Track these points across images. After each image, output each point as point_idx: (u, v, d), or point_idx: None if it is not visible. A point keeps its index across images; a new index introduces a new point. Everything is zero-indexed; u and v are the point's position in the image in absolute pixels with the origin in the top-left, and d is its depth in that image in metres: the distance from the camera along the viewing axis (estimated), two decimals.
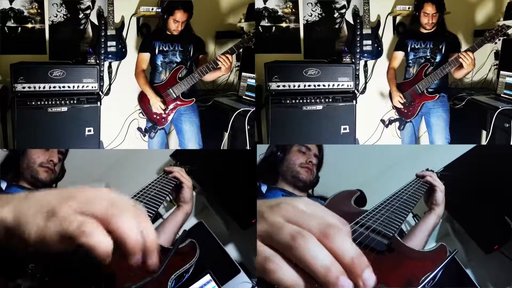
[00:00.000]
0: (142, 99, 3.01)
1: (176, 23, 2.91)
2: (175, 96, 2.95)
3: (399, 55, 3.14)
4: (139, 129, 3.09)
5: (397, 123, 3.21)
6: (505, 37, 3.10)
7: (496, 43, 2.97)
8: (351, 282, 0.57)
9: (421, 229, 1.57)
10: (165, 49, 2.99)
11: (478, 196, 1.98)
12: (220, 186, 2.12)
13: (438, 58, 3.00)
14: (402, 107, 3.05)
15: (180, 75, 2.97)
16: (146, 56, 3.01)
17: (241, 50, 3.04)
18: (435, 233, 2.01)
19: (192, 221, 2.10)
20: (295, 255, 0.59)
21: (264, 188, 1.94)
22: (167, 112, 2.98)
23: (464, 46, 3.13)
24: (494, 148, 2.83)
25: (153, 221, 1.56)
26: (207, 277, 1.57)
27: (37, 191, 0.77)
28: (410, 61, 3.09)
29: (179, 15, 2.89)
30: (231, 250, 2.00)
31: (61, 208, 0.69)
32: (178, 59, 3.00)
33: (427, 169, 1.87)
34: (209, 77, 2.97)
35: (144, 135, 3.05)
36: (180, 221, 1.69)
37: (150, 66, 3.05)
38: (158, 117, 3.00)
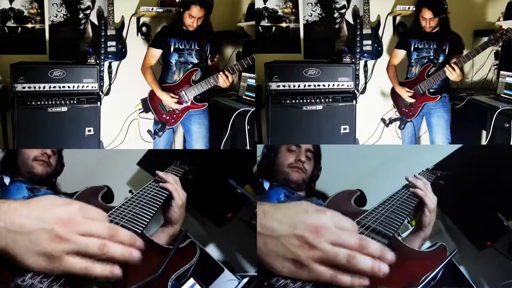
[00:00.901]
0: (153, 98, 2.95)
1: (191, 18, 2.82)
2: (187, 99, 2.91)
3: (400, 53, 3.14)
4: (149, 131, 3.06)
5: (398, 123, 3.20)
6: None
7: (500, 46, 2.95)
8: (386, 265, 0.98)
9: (417, 242, 1.46)
10: (181, 47, 2.90)
11: (470, 193, 1.99)
12: (195, 189, 2.10)
13: (441, 58, 2.99)
14: (413, 100, 3.03)
15: (194, 78, 2.92)
16: (157, 52, 2.94)
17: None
18: (431, 227, 2.00)
19: None
20: (353, 270, 0.95)
21: (266, 185, 1.92)
22: (177, 113, 2.95)
23: (464, 46, 3.13)
24: (486, 146, 2.83)
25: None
26: (191, 281, 1.53)
27: None
28: (412, 60, 3.08)
29: (195, 11, 2.80)
30: (212, 250, 1.98)
31: None
32: (195, 60, 2.92)
33: (427, 169, 1.88)
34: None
35: (154, 138, 3.02)
36: (162, 243, 1.42)
37: (162, 63, 2.99)
38: (168, 118, 2.96)
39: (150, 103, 2.97)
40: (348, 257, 0.95)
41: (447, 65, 2.85)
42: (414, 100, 3.03)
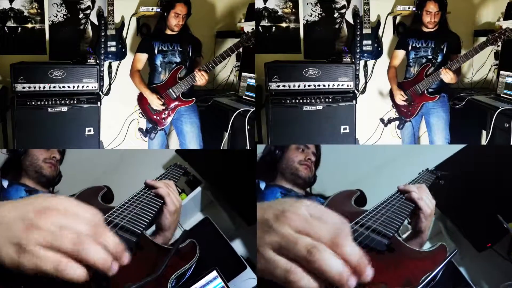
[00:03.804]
0: (142, 100, 3.01)
1: (177, 17, 2.92)
2: (175, 96, 2.95)
3: (400, 53, 3.14)
4: (140, 129, 3.09)
5: (397, 122, 3.20)
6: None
7: (498, 46, 2.94)
8: (356, 279, 0.71)
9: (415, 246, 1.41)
10: (164, 49, 2.99)
11: (470, 194, 1.99)
12: (222, 185, 2.11)
13: (439, 58, 2.99)
14: (405, 104, 3.04)
15: (179, 75, 2.98)
16: (144, 56, 3.01)
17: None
18: (427, 232, 2.00)
19: (198, 217, 2.09)
20: (312, 266, 0.70)
21: (262, 185, 1.93)
22: (167, 112, 2.98)
23: (464, 46, 3.13)
24: (486, 147, 2.83)
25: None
26: (214, 273, 1.56)
27: None
28: (411, 60, 3.08)
29: (180, 8, 2.91)
30: (238, 246, 1.99)
31: None
32: (178, 59, 3.00)
33: (427, 169, 1.88)
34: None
35: (145, 136, 3.05)
36: None
37: (148, 66, 3.05)
38: (158, 118, 3.00)
39: (140, 106, 3.04)
40: (310, 248, 0.72)
41: (442, 68, 2.86)
42: (406, 104, 3.04)
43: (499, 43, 2.86)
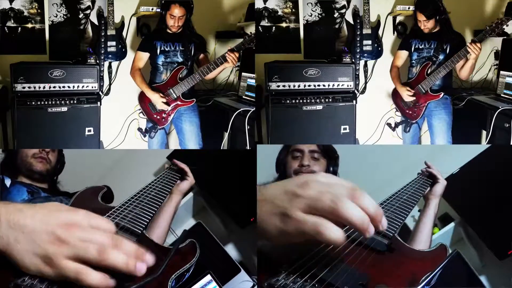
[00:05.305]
0: (142, 99, 3.01)
1: (173, 18, 2.90)
2: (175, 97, 2.95)
3: (403, 54, 3.14)
4: (139, 129, 3.09)
5: (403, 125, 3.20)
6: (504, 37, 3.11)
7: (499, 33, 2.96)
8: (373, 227, 0.84)
9: (427, 220, 1.60)
10: (166, 49, 2.99)
11: (492, 201, 1.97)
12: (219, 186, 2.12)
13: (441, 57, 2.99)
14: (413, 98, 3.03)
15: (180, 75, 2.97)
16: (145, 55, 3.01)
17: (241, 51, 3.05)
18: (449, 239, 2.01)
19: (190, 222, 2.10)
20: (337, 214, 0.82)
21: None
22: (167, 112, 2.98)
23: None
24: (509, 149, 2.81)
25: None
26: (208, 277, 1.58)
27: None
28: (413, 61, 3.08)
29: (176, 10, 2.89)
30: (231, 250, 2.00)
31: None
32: (180, 59, 2.99)
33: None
34: (213, 74, 2.98)
35: (145, 136, 3.05)
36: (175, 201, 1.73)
37: (150, 65, 3.05)
38: (158, 117, 3.00)
39: (140, 105, 3.04)
40: (334, 198, 0.86)
41: (468, 43, 2.84)
42: (414, 98, 3.03)
43: (496, 32, 2.89)
